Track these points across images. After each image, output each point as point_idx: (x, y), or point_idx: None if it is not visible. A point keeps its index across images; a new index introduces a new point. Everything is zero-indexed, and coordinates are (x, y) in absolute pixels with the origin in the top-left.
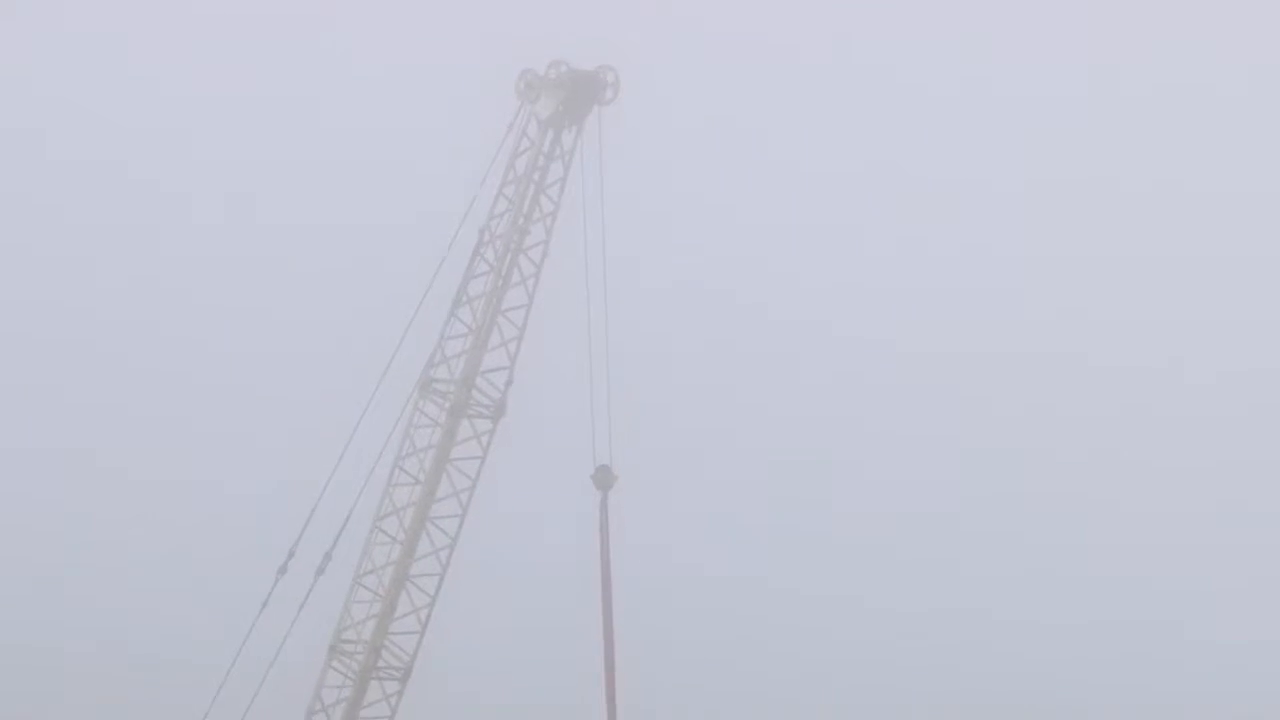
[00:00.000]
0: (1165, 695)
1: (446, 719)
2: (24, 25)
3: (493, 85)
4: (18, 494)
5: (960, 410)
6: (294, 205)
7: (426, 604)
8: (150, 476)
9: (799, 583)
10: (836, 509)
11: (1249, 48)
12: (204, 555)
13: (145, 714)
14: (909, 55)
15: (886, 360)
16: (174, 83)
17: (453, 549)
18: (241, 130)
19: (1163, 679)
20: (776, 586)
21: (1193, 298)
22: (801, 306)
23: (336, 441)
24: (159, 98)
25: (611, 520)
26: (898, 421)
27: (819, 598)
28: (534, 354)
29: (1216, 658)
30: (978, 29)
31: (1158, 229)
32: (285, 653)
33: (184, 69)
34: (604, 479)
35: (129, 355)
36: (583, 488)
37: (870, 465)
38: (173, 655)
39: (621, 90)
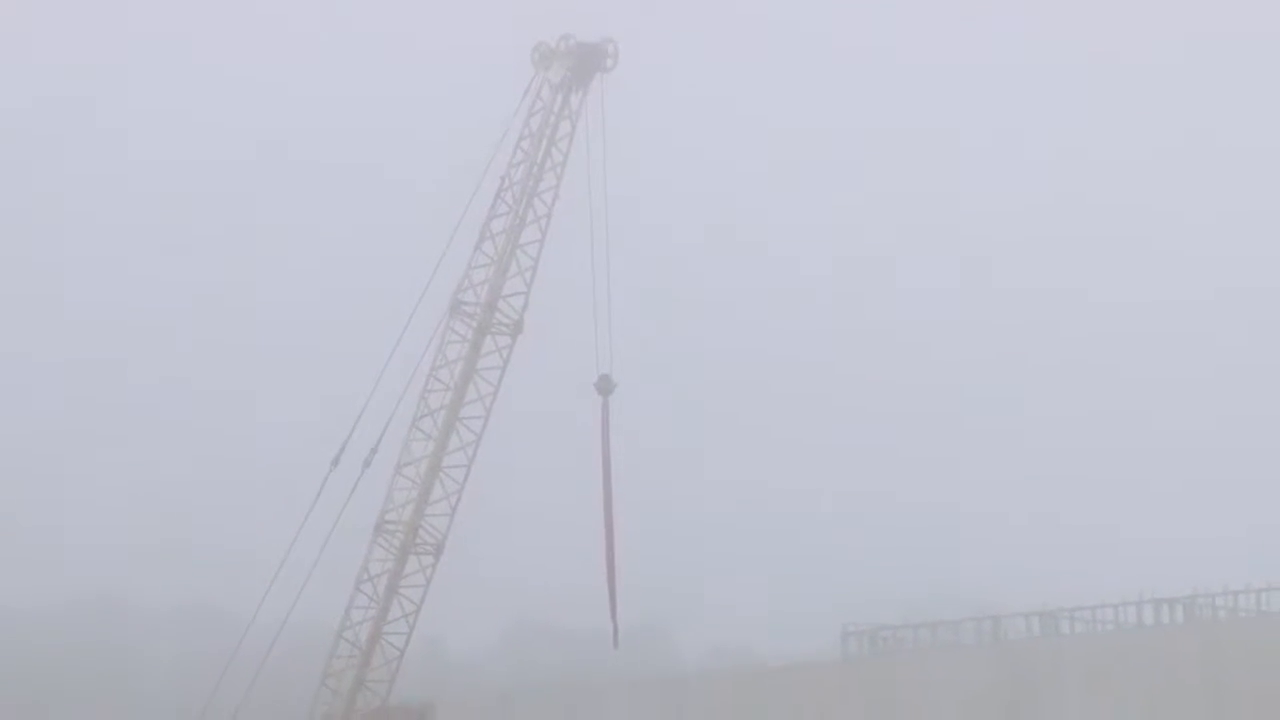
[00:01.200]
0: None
1: (471, 589)
2: None
3: (509, 57)
4: (100, 401)
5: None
6: (344, 160)
7: (456, 490)
8: (222, 388)
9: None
10: (828, 413)
11: None
12: (270, 454)
13: (221, 592)
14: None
15: (878, 288)
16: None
17: (478, 445)
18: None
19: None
20: (772, 486)
21: None
22: (787, 239)
23: (380, 356)
24: None
25: (611, 421)
26: (890, 333)
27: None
28: (546, 281)
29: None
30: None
31: None
32: (337, 533)
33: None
34: (605, 386)
35: (203, 282)
36: (587, 393)
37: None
38: (239, 542)
39: (620, 59)
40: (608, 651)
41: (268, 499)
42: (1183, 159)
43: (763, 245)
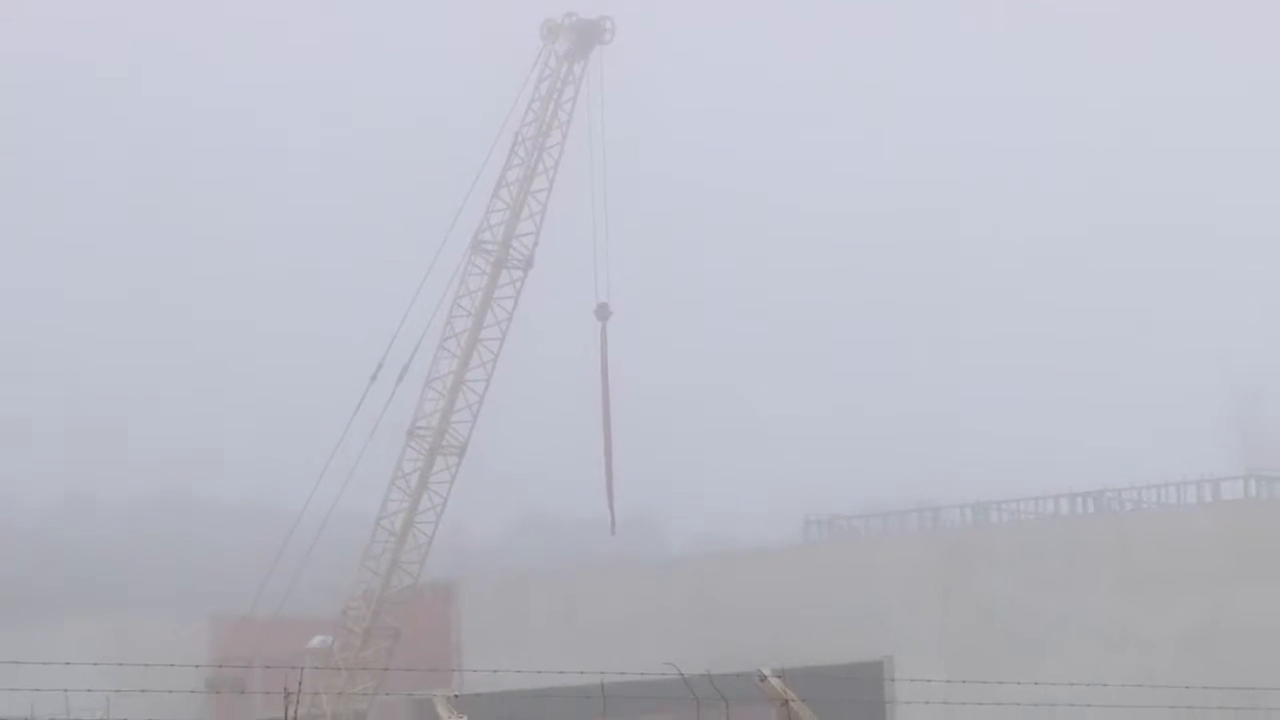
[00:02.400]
0: None
1: (490, 484)
2: None
3: (523, 32)
4: (171, 325)
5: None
6: (378, 123)
7: (477, 401)
8: (277, 312)
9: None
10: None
11: None
12: (320, 370)
13: (276, 489)
14: None
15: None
16: None
17: (495, 362)
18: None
19: None
20: (750, 397)
21: None
22: (771, 183)
23: (412, 288)
24: None
25: (609, 344)
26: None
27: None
28: (554, 222)
29: None
30: None
31: None
32: (375, 438)
33: None
34: (603, 312)
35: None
36: (588, 319)
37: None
38: (292, 445)
39: (616, 34)
40: (606, 538)
41: (316, 409)
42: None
43: (762, 194)
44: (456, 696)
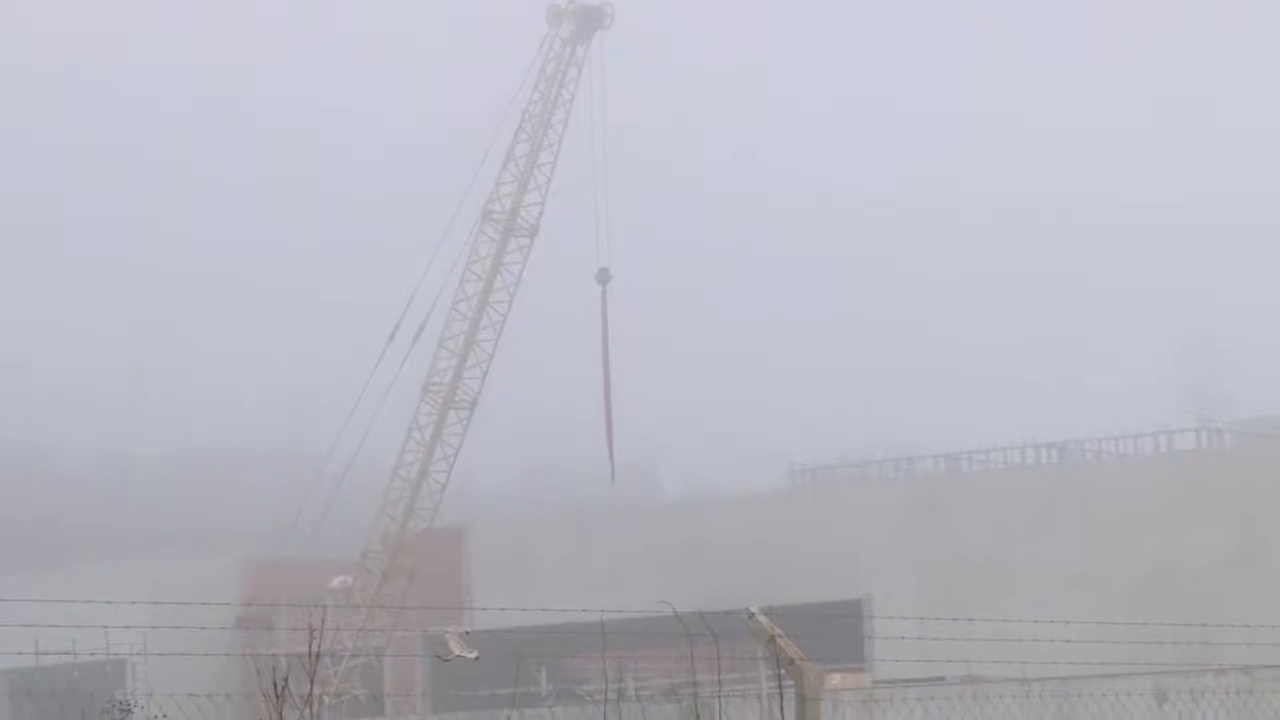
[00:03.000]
0: None
1: (498, 435)
2: None
3: (530, 17)
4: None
5: None
6: (397, 100)
7: (486, 359)
8: (308, 293)
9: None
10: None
11: None
12: (343, 329)
13: (303, 439)
14: None
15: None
16: None
17: (503, 323)
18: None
19: None
20: (739, 354)
21: None
22: (764, 145)
23: (427, 253)
24: None
25: (609, 306)
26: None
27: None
28: (559, 193)
29: None
30: None
31: None
32: (393, 393)
33: None
34: (603, 277)
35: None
36: (590, 283)
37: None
38: (320, 397)
39: (616, 19)
40: (606, 486)
41: (340, 366)
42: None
43: (757, 162)
44: (468, 632)
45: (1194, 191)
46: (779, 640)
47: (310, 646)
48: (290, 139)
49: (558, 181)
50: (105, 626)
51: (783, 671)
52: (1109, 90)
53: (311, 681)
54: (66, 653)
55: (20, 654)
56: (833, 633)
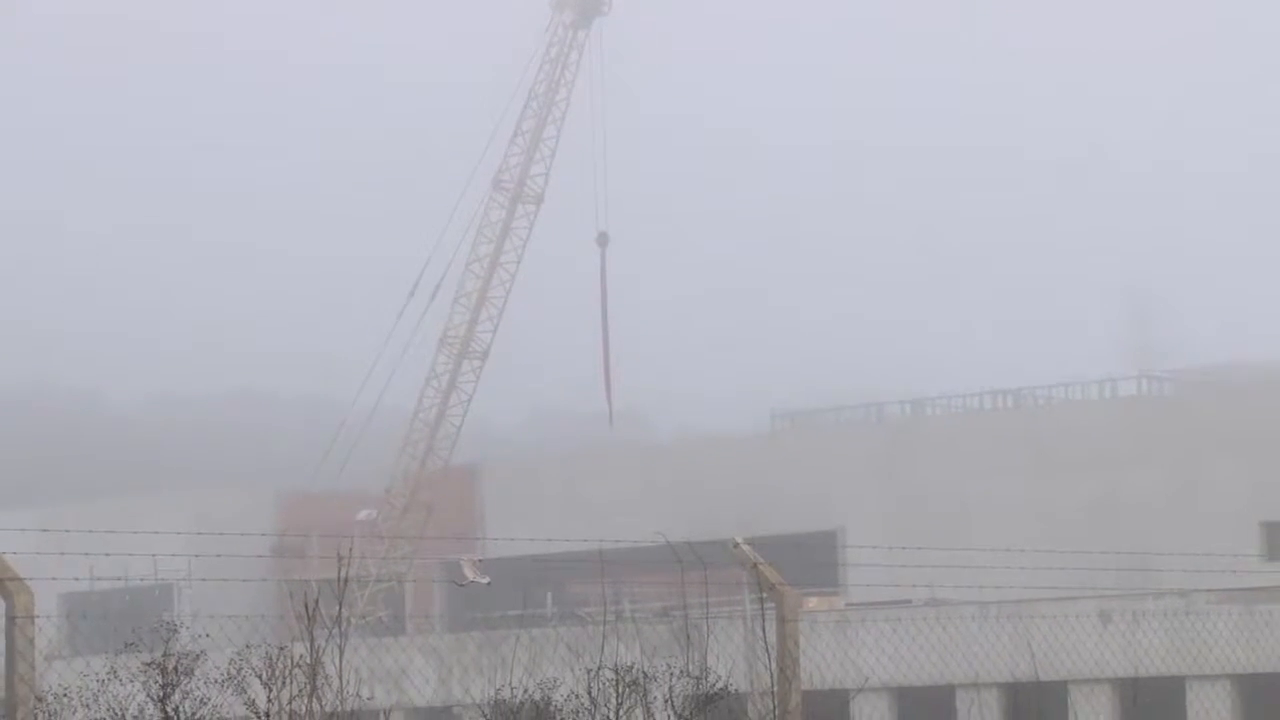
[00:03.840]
0: None
1: (508, 382)
2: None
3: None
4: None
5: None
6: (411, 78)
7: (497, 314)
8: (335, 255)
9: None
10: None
11: None
12: (365, 285)
13: (331, 385)
14: None
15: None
16: None
17: (512, 281)
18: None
19: None
20: (723, 307)
21: None
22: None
23: (443, 219)
24: None
25: (608, 270)
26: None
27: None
28: (563, 164)
29: None
30: None
31: None
32: (413, 344)
33: None
34: (603, 240)
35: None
36: (591, 246)
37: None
38: (347, 348)
39: (614, 6)
40: (605, 428)
41: (365, 320)
42: None
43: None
44: (481, 560)
45: (1161, 159)
46: (761, 567)
47: (338, 573)
48: (320, 120)
49: (561, 154)
50: (154, 555)
51: (764, 595)
52: (1051, 44)
53: (339, 604)
54: (119, 578)
55: (77, 580)
56: (809, 561)
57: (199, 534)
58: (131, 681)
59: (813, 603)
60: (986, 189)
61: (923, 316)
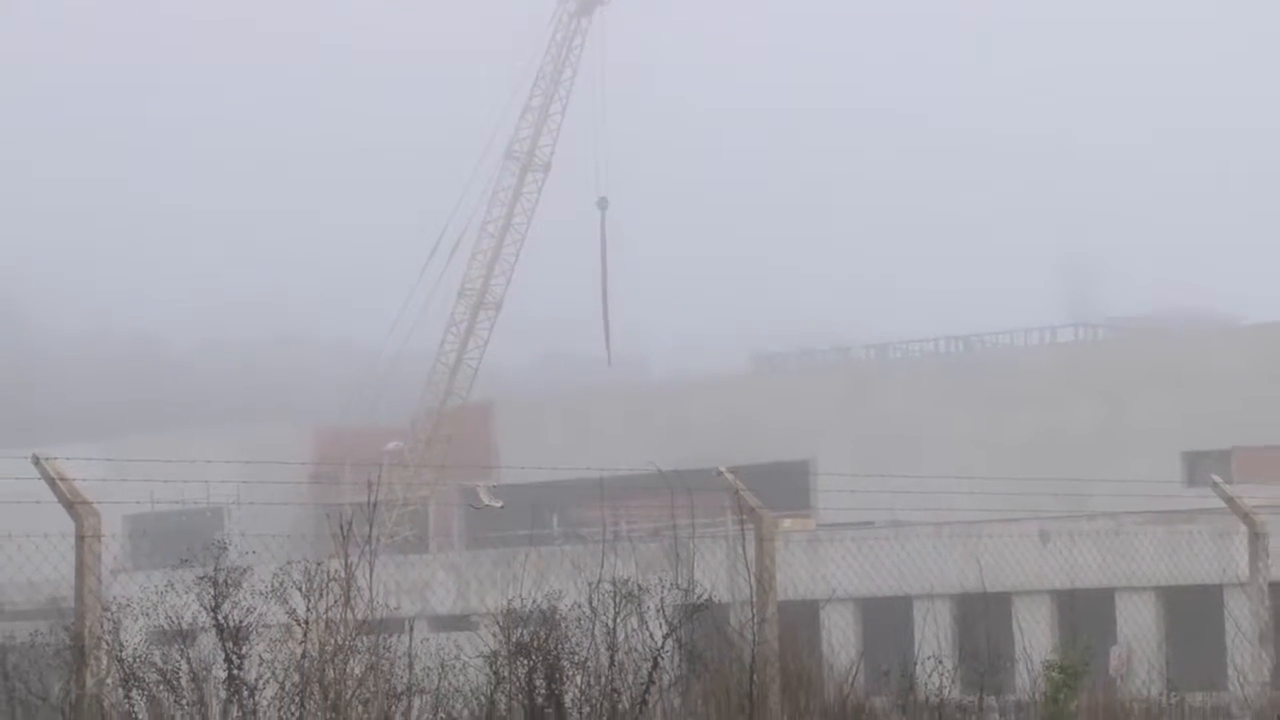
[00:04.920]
0: None
1: (519, 327)
2: None
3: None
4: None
5: None
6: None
7: (509, 269)
8: (353, 220)
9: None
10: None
11: None
12: (393, 242)
13: (360, 337)
14: None
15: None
16: None
17: (523, 240)
18: None
19: None
20: (709, 255)
21: None
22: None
23: (461, 184)
24: None
25: (607, 230)
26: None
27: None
28: (567, 137)
29: None
30: None
31: None
32: (434, 297)
33: None
34: (603, 204)
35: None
36: (592, 209)
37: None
38: (375, 298)
39: None
40: (605, 370)
41: (393, 272)
42: None
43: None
44: (495, 486)
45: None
46: (742, 493)
47: (369, 497)
48: (350, 102)
49: (566, 127)
50: (206, 481)
51: (744, 518)
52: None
53: (370, 525)
54: (175, 502)
55: (138, 503)
56: (784, 487)
57: (246, 463)
58: (187, 593)
59: (787, 524)
60: (951, 161)
61: (889, 272)
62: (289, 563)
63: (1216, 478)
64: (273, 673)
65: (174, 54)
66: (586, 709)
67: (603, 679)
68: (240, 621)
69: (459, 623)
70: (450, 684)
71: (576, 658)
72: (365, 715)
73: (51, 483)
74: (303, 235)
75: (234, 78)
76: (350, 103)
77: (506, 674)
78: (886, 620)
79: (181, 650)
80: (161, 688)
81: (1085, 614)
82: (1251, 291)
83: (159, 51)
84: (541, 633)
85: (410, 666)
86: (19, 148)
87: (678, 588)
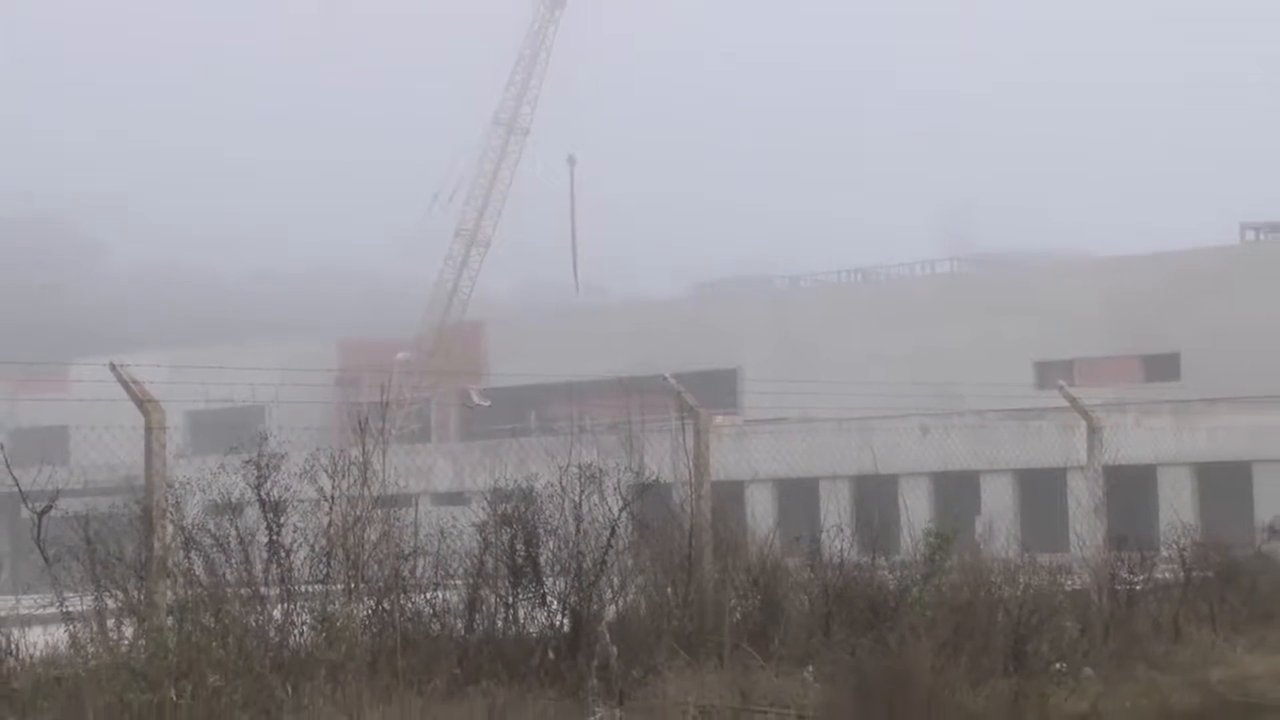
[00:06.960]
0: None
1: (505, 261)
2: None
3: None
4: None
5: None
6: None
7: (497, 213)
8: (375, 170)
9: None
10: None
11: None
12: (400, 191)
13: (374, 268)
14: None
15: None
16: None
17: (508, 190)
18: None
19: None
20: (662, 191)
21: None
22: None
23: (457, 144)
24: None
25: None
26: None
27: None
28: (544, 106)
29: None
30: None
31: None
32: (433, 237)
33: None
34: (571, 161)
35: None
36: (564, 163)
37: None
38: (385, 242)
39: None
40: (574, 295)
41: (402, 215)
42: None
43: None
44: (484, 389)
45: (1000, 80)
46: (683, 395)
47: (382, 397)
48: (364, 80)
49: (543, 98)
50: (251, 384)
51: (685, 415)
52: None
53: (383, 420)
54: (226, 400)
55: (194, 401)
56: (717, 390)
57: (284, 369)
58: (235, 474)
59: (719, 420)
60: (865, 116)
61: (801, 208)
62: (318, 450)
63: (1062, 383)
64: (305, 538)
65: (236, 30)
66: (557, 567)
67: (570, 543)
68: (279, 497)
69: (455, 499)
70: (448, 547)
71: (549, 526)
72: (379, 572)
73: (125, 385)
74: (333, 186)
75: (259, 50)
76: (365, 83)
77: (493, 539)
78: (798, 497)
79: (231, 520)
80: (215, 550)
81: (956, 491)
82: (1099, 226)
83: (224, 29)
84: (521, 507)
85: (416, 533)
86: (121, 116)
87: (631, 471)
